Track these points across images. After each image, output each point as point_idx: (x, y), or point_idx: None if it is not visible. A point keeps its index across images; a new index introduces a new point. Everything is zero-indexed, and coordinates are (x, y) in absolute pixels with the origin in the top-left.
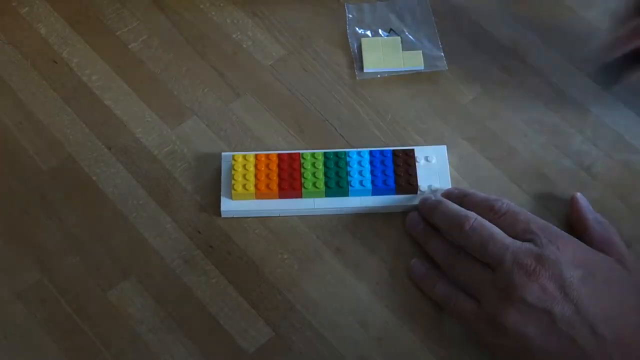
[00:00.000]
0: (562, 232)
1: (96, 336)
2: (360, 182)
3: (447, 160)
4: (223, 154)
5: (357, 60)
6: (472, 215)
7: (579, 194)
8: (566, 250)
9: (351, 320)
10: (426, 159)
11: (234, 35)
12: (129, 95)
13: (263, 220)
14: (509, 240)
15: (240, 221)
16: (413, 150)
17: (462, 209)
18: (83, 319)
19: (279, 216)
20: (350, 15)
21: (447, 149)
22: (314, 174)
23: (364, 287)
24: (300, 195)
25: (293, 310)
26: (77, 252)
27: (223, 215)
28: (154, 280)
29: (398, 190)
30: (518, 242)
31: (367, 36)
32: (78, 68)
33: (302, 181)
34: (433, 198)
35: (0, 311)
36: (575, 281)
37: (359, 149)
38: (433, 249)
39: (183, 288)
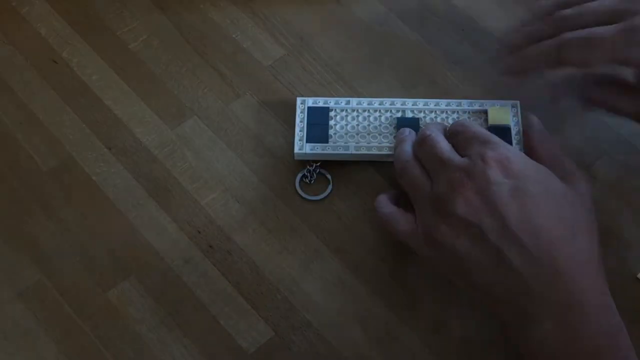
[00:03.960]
0: (503, 144)
1: (96, 336)
2: None
3: None
4: (298, 98)
5: None
6: (431, 131)
7: (535, 120)
8: (499, 163)
9: (351, 320)
10: None
11: (234, 35)
12: (129, 95)
13: (263, 221)
14: (449, 156)
15: (239, 220)
16: None
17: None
18: (83, 319)
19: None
20: None
21: None
22: None
23: (364, 287)
24: None
25: (293, 310)
26: (77, 252)
27: (296, 158)
28: (154, 280)
29: None
30: (456, 158)
31: None
32: (78, 68)
33: None
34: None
35: (0, 311)
36: (504, 194)
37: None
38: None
39: (183, 288)
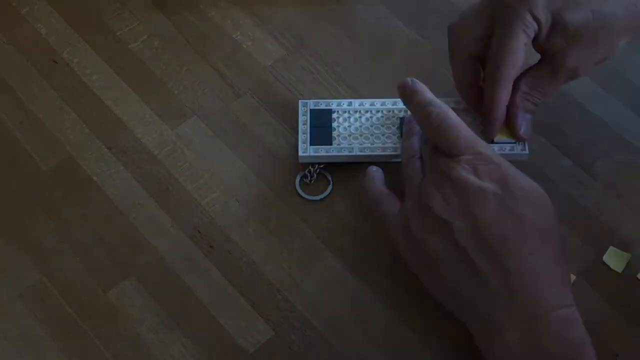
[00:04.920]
0: (487, 148)
1: (96, 336)
2: None
3: None
4: (300, 101)
5: None
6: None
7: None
8: (484, 167)
9: (351, 320)
10: None
11: (234, 35)
12: (129, 95)
13: (263, 221)
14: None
15: (240, 220)
16: None
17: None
18: (83, 319)
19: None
20: None
21: None
22: None
23: (364, 287)
24: None
25: (293, 310)
26: (77, 252)
27: (300, 161)
28: (154, 280)
29: None
30: (443, 157)
31: None
32: (78, 68)
33: None
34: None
35: (0, 311)
36: (481, 197)
37: None
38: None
39: (183, 288)
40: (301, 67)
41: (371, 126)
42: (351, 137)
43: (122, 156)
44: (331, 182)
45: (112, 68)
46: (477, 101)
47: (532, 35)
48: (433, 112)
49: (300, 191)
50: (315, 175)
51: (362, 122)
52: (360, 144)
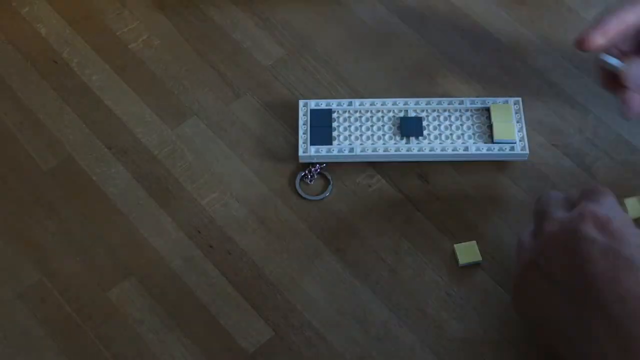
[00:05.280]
0: (612, 204)
1: (96, 336)
2: None
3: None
4: (300, 101)
5: None
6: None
7: None
8: (596, 219)
9: (351, 320)
10: None
11: (234, 35)
12: (129, 95)
13: (263, 221)
14: (551, 209)
15: (239, 220)
16: None
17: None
18: (83, 319)
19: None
20: None
21: None
22: None
23: (364, 287)
24: None
25: (293, 310)
26: (77, 252)
27: (301, 161)
28: (154, 280)
29: None
30: (558, 212)
31: None
32: (78, 68)
33: None
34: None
35: (0, 311)
36: (593, 251)
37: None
38: None
39: (183, 288)
40: (301, 67)
41: (372, 126)
42: (351, 137)
43: (122, 156)
44: (331, 182)
45: (112, 68)
46: None
47: None
48: None
49: (300, 191)
50: (315, 175)
51: (363, 121)
52: (361, 144)
